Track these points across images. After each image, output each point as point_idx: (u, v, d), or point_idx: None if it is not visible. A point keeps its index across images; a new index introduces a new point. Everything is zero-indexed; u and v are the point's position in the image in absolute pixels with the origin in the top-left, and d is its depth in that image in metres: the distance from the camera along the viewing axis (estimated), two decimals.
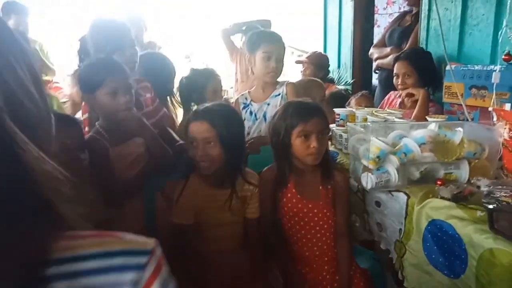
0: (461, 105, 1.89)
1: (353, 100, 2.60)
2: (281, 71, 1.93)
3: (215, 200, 1.45)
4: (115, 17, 1.85)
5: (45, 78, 3.56)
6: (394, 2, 3.84)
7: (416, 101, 2.17)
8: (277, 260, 1.50)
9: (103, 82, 1.45)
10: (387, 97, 2.53)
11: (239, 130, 1.50)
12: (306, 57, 3.31)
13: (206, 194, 1.45)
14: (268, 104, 1.94)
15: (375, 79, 3.40)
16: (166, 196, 1.60)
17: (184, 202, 1.43)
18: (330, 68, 3.49)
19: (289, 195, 1.47)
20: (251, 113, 1.98)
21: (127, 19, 2.19)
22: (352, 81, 3.55)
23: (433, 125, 1.47)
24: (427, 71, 2.26)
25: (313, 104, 1.48)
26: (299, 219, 1.48)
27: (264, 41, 1.89)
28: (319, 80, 2.60)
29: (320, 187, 1.48)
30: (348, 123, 1.72)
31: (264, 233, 1.54)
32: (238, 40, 3.99)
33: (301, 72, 3.32)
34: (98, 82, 1.46)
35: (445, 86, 2.04)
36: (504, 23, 1.58)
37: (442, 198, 1.22)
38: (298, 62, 3.39)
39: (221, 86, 2.26)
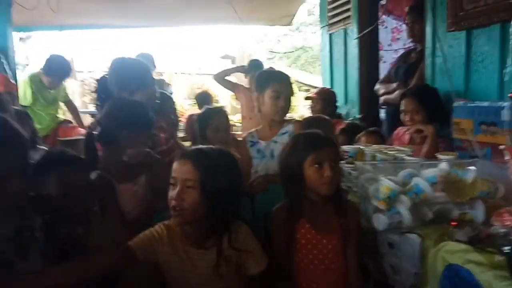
0: (471, 141, 1.87)
1: (362, 137, 2.59)
2: (289, 109, 1.95)
3: (197, 265, 1.26)
4: (134, 57, 1.91)
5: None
6: (398, 39, 3.91)
7: (425, 136, 2.16)
8: None
9: (120, 133, 1.55)
10: (395, 132, 2.51)
11: (231, 178, 1.27)
12: (316, 93, 3.34)
13: (184, 255, 1.26)
14: (276, 142, 1.94)
15: (382, 115, 3.40)
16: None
17: (148, 255, 1.24)
18: (337, 104, 3.51)
19: (303, 230, 1.42)
20: (258, 151, 1.98)
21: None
22: (359, 116, 3.55)
23: (444, 164, 1.45)
24: (434, 107, 2.26)
25: (323, 134, 1.47)
26: (313, 257, 1.41)
27: (273, 80, 1.92)
28: (327, 117, 2.61)
29: (334, 221, 1.43)
30: (356, 162, 1.70)
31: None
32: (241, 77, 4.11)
33: (310, 107, 3.34)
34: (116, 133, 1.55)
35: (454, 122, 2.02)
36: (509, 62, 1.58)
37: (458, 241, 1.18)
38: (307, 98, 3.43)
39: (225, 124, 2.28)
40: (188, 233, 1.28)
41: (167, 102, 2.34)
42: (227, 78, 3.75)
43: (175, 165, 1.25)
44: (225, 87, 3.83)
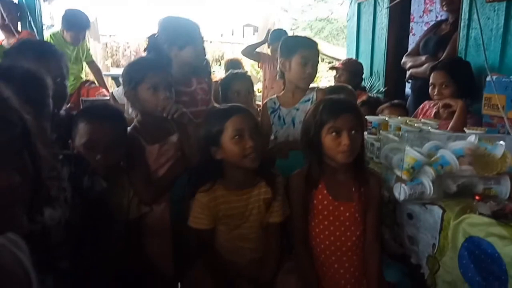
0: (501, 117, 1.81)
1: (386, 110, 2.53)
2: (315, 77, 1.92)
3: (236, 206, 1.43)
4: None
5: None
6: (431, 11, 3.75)
7: (453, 112, 2.09)
8: (301, 272, 1.46)
9: (144, 77, 1.51)
10: (421, 106, 2.45)
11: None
12: (341, 63, 3.26)
13: (227, 200, 1.43)
14: (297, 110, 1.91)
15: (408, 88, 3.31)
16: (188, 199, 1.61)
17: (203, 208, 1.42)
18: (363, 77, 3.43)
19: (320, 196, 1.42)
20: (279, 117, 1.96)
21: None
22: (384, 89, 3.47)
23: (472, 137, 1.41)
24: (465, 81, 2.18)
25: (345, 100, 1.44)
26: (329, 223, 1.42)
27: (301, 46, 1.87)
28: (350, 87, 2.56)
29: (353, 189, 1.42)
30: (381, 131, 1.67)
31: (287, 240, 1.51)
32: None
33: (335, 78, 3.28)
34: (140, 77, 1.51)
35: (485, 97, 1.95)
36: None
37: (481, 214, 1.16)
38: (332, 68, 3.35)
39: (246, 88, 2.29)
40: (237, 181, 1.44)
41: (207, 65, 2.35)
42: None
43: (238, 118, 1.37)
44: (252, 59, 3.82)
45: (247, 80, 2.36)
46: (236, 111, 1.39)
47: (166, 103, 1.52)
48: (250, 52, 3.73)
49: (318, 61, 1.92)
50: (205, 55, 1.89)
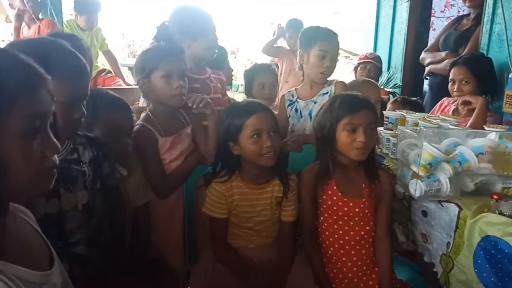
0: None
1: (390, 106, 2.49)
2: (333, 70, 1.88)
3: (249, 198, 1.45)
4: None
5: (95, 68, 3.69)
6: (453, 5, 3.66)
7: (472, 109, 2.04)
8: (311, 267, 1.46)
9: (158, 65, 1.49)
10: (439, 103, 2.40)
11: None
12: (371, 59, 3.19)
13: (242, 192, 1.44)
14: (315, 103, 1.89)
15: (426, 85, 3.25)
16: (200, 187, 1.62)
17: (219, 197, 1.43)
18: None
19: (329, 192, 1.42)
20: (296, 110, 1.94)
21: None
22: (401, 84, 3.41)
23: (492, 134, 1.37)
24: (486, 78, 2.12)
25: (362, 97, 1.41)
26: (338, 218, 1.42)
27: (321, 38, 1.81)
28: (373, 81, 2.52)
29: (363, 185, 1.42)
30: (399, 126, 1.65)
31: (297, 236, 1.51)
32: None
33: (357, 72, 3.21)
34: (153, 65, 1.49)
35: (507, 95, 1.90)
36: None
37: (501, 213, 1.13)
38: (363, 63, 3.21)
39: (271, 81, 2.28)
40: (253, 176, 1.44)
41: (224, 56, 2.34)
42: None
43: (257, 118, 1.36)
44: (272, 55, 3.81)
45: (272, 73, 2.35)
46: (256, 109, 1.38)
47: (179, 91, 1.50)
48: (269, 48, 3.70)
49: (337, 54, 1.88)
50: (217, 47, 1.85)
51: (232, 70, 2.68)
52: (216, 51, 1.83)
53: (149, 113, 1.56)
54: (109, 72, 3.84)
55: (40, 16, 3.43)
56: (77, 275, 1.08)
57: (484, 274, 1.13)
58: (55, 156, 0.67)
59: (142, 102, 1.70)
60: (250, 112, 1.37)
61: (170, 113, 1.58)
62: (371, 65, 3.14)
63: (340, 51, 1.98)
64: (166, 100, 1.52)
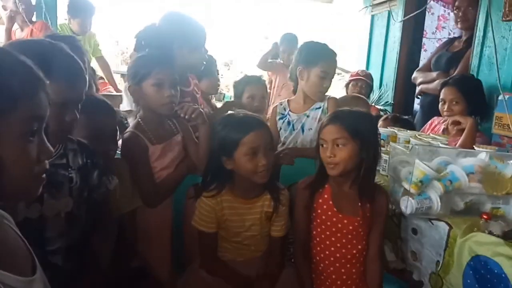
0: None
1: (380, 123, 2.52)
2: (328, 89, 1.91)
3: (238, 213, 1.42)
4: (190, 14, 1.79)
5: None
6: (444, 27, 3.74)
7: (462, 129, 2.06)
8: (300, 282, 1.44)
9: (150, 73, 1.46)
10: (429, 122, 2.43)
11: None
12: (362, 76, 3.23)
13: (232, 206, 1.42)
14: (308, 116, 1.90)
15: (416, 104, 3.30)
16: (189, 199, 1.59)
17: (209, 211, 1.40)
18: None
19: (324, 206, 1.40)
20: (288, 123, 1.94)
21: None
22: (392, 102, 3.46)
23: (483, 154, 1.39)
24: (476, 99, 2.16)
25: (340, 111, 1.41)
26: (331, 234, 1.40)
27: (324, 58, 1.82)
28: (363, 97, 2.55)
29: (359, 203, 1.40)
30: (391, 143, 1.66)
31: (287, 250, 1.49)
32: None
33: (348, 88, 3.25)
34: (145, 73, 1.46)
35: (496, 116, 1.94)
36: None
37: (490, 233, 1.14)
38: (354, 80, 3.24)
39: (261, 93, 2.27)
40: (244, 190, 1.42)
41: (212, 64, 2.33)
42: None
43: (255, 136, 1.33)
44: (267, 70, 3.81)
45: (262, 85, 2.35)
46: (254, 126, 1.35)
47: (170, 100, 1.48)
48: (265, 63, 3.70)
49: (335, 73, 1.91)
50: (206, 58, 1.83)
51: (219, 80, 2.66)
52: (204, 62, 1.82)
53: (139, 120, 1.53)
54: (100, 78, 3.81)
55: (34, 19, 3.41)
56: (52, 285, 1.04)
57: None
58: (46, 161, 0.67)
59: (125, 106, 1.66)
60: (248, 129, 1.33)
61: (160, 120, 1.55)
62: (362, 82, 3.17)
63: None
64: (157, 108, 1.50)
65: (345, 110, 1.42)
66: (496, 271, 1.06)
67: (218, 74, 2.45)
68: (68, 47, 1.07)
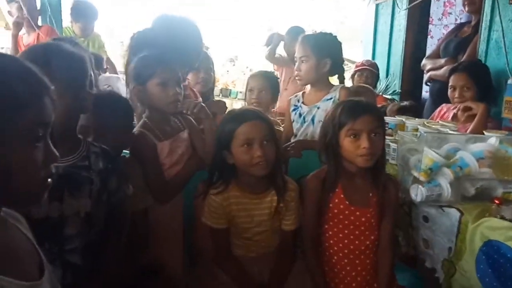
0: None
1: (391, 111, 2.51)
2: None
3: (247, 208, 1.42)
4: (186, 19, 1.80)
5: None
6: (450, 13, 3.68)
7: (472, 115, 2.04)
8: (312, 275, 1.43)
9: (154, 73, 1.47)
10: (438, 109, 2.41)
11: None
12: (368, 65, 3.22)
13: (240, 202, 1.42)
14: (318, 108, 1.88)
15: (425, 92, 3.27)
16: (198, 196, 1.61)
17: (217, 208, 1.41)
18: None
19: (336, 200, 1.39)
20: (300, 115, 1.94)
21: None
22: (399, 91, 3.43)
23: (493, 139, 1.38)
24: (486, 85, 2.14)
25: (364, 102, 1.39)
26: (344, 227, 1.39)
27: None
28: (369, 86, 2.54)
29: (371, 194, 1.38)
30: (399, 132, 1.65)
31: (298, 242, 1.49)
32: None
33: (354, 79, 3.24)
34: (149, 73, 1.47)
35: (506, 100, 1.92)
36: None
37: (502, 218, 1.13)
38: (359, 70, 3.24)
39: (259, 86, 2.26)
40: (250, 185, 1.42)
41: (207, 60, 2.33)
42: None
43: (248, 126, 1.33)
44: (275, 63, 3.81)
45: (260, 78, 2.34)
46: (248, 117, 1.35)
47: (175, 98, 1.48)
48: (272, 54, 3.71)
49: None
50: (201, 57, 1.85)
51: (213, 77, 2.63)
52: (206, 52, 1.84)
53: (145, 119, 1.56)
54: None
55: (39, 23, 3.44)
56: (68, 283, 1.06)
57: (487, 279, 1.13)
58: (52, 166, 0.68)
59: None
60: (241, 120, 1.34)
61: (166, 118, 1.57)
62: (368, 72, 3.16)
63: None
64: (163, 106, 1.51)
65: (368, 101, 1.41)
66: (509, 255, 1.05)
67: (212, 71, 2.43)
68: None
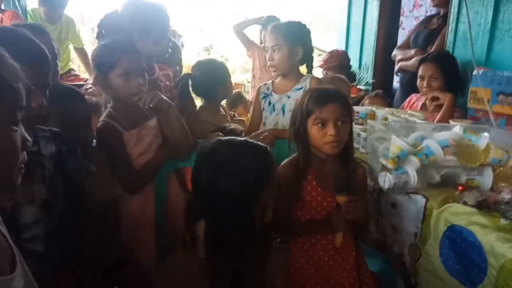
0: (486, 111, 1.83)
1: (367, 100, 2.54)
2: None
3: None
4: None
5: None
6: (421, 5, 3.75)
7: (440, 105, 2.10)
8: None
9: (117, 62, 1.41)
10: (408, 99, 2.47)
11: None
12: (323, 61, 3.24)
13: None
14: (289, 97, 1.89)
15: (396, 82, 3.33)
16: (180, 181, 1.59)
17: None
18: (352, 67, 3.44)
19: (309, 187, 1.39)
20: (269, 103, 1.94)
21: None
22: (372, 81, 3.48)
23: (457, 128, 1.42)
24: (454, 75, 2.20)
25: (331, 90, 1.39)
26: (316, 213, 1.39)
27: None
28: (343, 76, 2.56)
29: None
30: (368, 121, 1.68)
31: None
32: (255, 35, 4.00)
33: (323, 74, 3.27)
34: (111, 62, 1.41)
35: (471, 91, 1.98)
36: None
37: (465, 203, 1.17)
38: (326, 69, 3.29)
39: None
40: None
41: (176, 52, 2.28)
42: (245, 32, 3.69)
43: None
44: (241, 40, 3.75)
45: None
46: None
47: (139, 90, 1.43)
48: (241, 28, 3.66)
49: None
50: (170, 47, 1.81)
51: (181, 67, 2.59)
52: (170, 50, 1.79)
53: (110, 109, 1.51)
54: (72, 70, 3.72)
55: (2, 7, 3.27)
56: (33, 272, 1.04)
57: (450, 262, 1.17)
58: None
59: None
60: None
61: (131, 106, 1.52)
62: (335, 69, 3.19)
63: (315, 49, 2.02)
64: (125, 98, 1.46)
65: (335, 90, 1.41)
66: (470, 239, 1.10)
67: (181, 64, 2.39)
68: (31, 33, 1.05)
